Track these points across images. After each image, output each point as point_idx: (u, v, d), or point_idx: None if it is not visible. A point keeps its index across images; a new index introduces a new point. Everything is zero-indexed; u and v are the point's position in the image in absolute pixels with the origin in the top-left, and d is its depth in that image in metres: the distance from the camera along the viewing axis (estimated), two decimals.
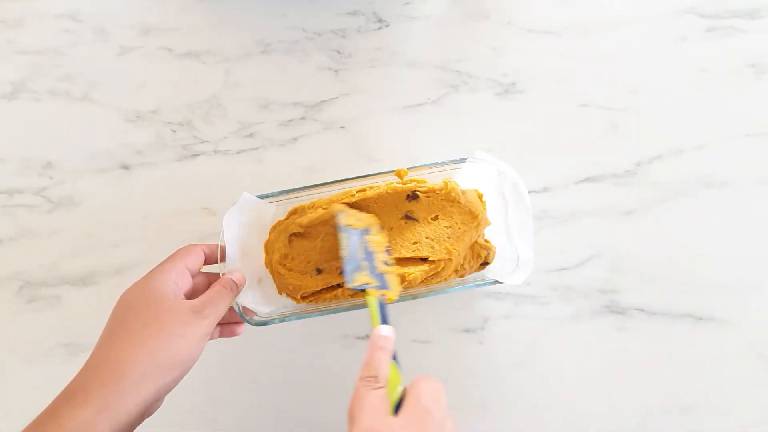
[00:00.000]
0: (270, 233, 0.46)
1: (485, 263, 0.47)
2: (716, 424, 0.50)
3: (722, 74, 0.53)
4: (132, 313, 0.36)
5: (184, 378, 0.52)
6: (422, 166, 0.46)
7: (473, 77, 0.53)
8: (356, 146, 0.53)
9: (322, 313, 0.44)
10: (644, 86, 0.53)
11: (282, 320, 0.44)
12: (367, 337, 0.51)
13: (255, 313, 0.44)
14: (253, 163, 0.53)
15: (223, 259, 0.43)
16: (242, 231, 0.45)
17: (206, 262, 0.42)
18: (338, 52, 0.54)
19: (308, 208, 0.46)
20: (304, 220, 0.45)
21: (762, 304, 0.51)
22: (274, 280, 0.46)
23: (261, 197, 0.45)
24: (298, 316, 0.44)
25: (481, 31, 0.54)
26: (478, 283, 0.45)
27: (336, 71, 0.54)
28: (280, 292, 0.46)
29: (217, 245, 0.43)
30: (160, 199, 0.52)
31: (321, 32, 0.54)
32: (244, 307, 0.44)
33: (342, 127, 0.53)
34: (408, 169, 0.45)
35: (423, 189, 0.45)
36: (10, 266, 0.52)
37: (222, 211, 0.52)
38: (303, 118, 0.53)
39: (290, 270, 0.46)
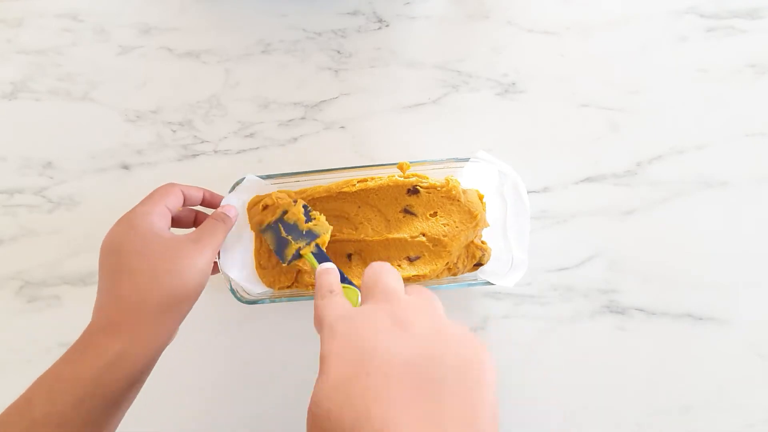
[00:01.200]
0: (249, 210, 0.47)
1: (479, 264, 0.47)
2: (716, 424, 0.50)
3: (722, 74, 0.53)
4: (130, 253, 0.37)
5: (184, 378, 0.52)
6: (425, 161, 0.46)
7: (473, 77, 0.53)
8: (356, 146, 0.53)
9: (312, 297, 0.45)
10: (644, 86, 0.53)
11: (272, 300, 0.45)
12: None
13: (247, 292, 0.46)
14: (253, 163, 0.53)
15: (216, 206, 0.44)
16: (242, 210, 0.46)
17: (185, 204, 0.43)
18: (338, 52, 0.54)
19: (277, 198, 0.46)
20: (257, 220, 0.46)
21: (762, 304, 0.51)
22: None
23: (264, 178, 0.46)
24: (289, 298, 0.46)
25: (481, 31, 0.54)
26: (470, 282, 0.46)
27: (336, 71, 0.54)
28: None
29: (197, 188, 0.44)
30: None
31: (321, 32, 0.54)
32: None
33: (342, 127, 0.53)
34: (411, 163, 0.45)
35: (424, 184, 0.45)
36: (10, 266, 0.52)
37: None
38: (303, 118, 0.53)
39: (264, 268, 0.47)
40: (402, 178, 0.45)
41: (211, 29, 0.54)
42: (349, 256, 0.46)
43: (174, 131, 0.53)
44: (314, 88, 0.53)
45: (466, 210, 0.46)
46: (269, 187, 0.47)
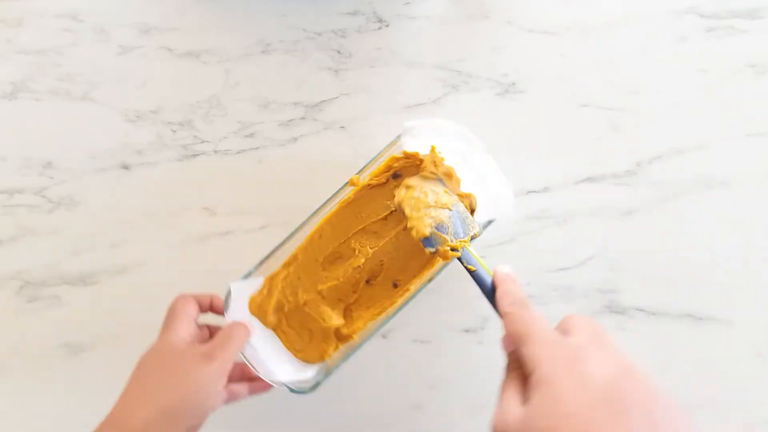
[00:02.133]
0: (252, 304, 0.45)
1: (471, 211, 0.45)
2: (716, 424, 0.50)
3: (722, 74, 0.53)
4: (146, 372, 0.37)
5: None
6: (373, 159, 0.45)
7: (473, 77, 0.53)
8: (356, 146, 0.53)
9: (357, 349, 0.43)
10: (644, 86, 0.53)
11: (330, 373, 0.42)
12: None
13: (303, 381, 0.43)
14: (253, 163, 0.53)
15: (221, 311, 0.43)
16: (246, 314, 0.44)
17: (200, 311, 0.42)
18: (338, 52, 0.54)
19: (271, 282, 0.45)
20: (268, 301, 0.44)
21: (762, 304, 0.51)
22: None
23: (245, 277, 0.44)
24: (344, 358, 0.43)
25: (481, 31, 0.54)
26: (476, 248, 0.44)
27: (336, 71, 0.54)
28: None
29: (206, 294, 0.43)
30: (160, 198, 0.52)
31: (321, 32, 0.54)
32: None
33: (342, 127, 0.53)
34: (359, 171, 0.45)
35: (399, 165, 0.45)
36: (10, 266, 0.52)
37: (222, 210, 0.52)
38: (303, 118, 0.53)
39: (303, 351, 0.44)
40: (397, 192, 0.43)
41: (211, 29, 0.54)
42: (368, 281, 0.45)
43: (174, 131, 0.53)
44: (314, 88, 0.54)
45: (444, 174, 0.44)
46: (256, 282, 0.44)
